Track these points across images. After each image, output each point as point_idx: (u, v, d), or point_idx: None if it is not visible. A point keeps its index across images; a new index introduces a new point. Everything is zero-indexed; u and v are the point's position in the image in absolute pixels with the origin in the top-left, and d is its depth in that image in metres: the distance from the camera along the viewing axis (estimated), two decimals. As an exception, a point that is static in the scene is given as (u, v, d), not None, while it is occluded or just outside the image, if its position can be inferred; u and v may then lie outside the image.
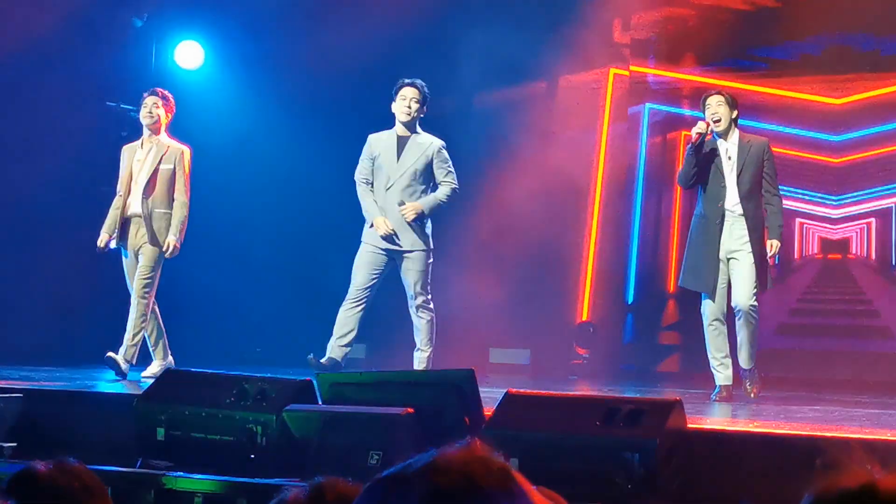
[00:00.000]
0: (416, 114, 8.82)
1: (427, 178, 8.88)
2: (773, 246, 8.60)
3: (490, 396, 6.16)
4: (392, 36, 11.14)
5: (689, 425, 5.70)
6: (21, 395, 7.29)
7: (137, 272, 9.03)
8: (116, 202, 9.22)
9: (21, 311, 10.93)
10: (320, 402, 6.24)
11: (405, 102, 8.81)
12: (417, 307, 8.91)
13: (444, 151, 8.91)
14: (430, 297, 8.96)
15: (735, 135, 8.68)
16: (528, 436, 5.56)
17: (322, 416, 5.97)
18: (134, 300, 9.04)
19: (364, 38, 11.18)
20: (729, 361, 8.69)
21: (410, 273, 8.86)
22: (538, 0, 12.09)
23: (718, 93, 8.70)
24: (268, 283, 11.92)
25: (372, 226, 8.83)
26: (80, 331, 11.41)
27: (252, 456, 6.08)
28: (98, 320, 11.65)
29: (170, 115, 9.28)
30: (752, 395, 8.67)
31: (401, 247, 8.81)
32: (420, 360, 8.93)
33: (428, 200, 8.85)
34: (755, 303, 8.60)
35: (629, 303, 12.25)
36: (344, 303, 8.88)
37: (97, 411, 7.20)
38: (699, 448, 5.66)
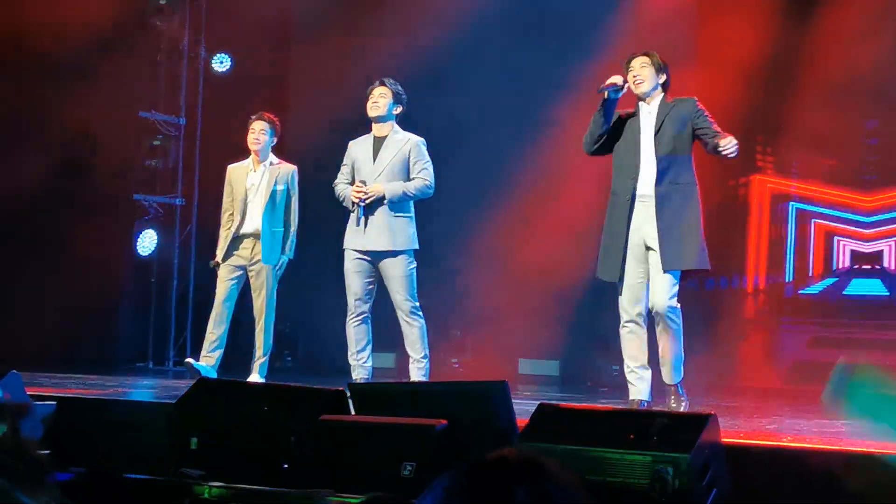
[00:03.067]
0: (383, 110, 8.69)
1: (406, 175, 8.68)
2: (726, 136, 7.39)
3: (520, 408, 6.15)
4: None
5: (724, 439, 5.68)
6: (55, 402, 7.33)
7: (263, 292, 9.38)
8: (226, 222, 9.53)
9: (52, 317, 10.99)
10: (353, 412, 6.25)
11: (372, 99, 8.72)
12: (405, 315, 8.64)
13: (423, 147, 8.74)
14: (417, 303, 8.67)
15: (658, 99, 7.75)
16: (561, 448, 5.55)
17: (355, 427, 5.97)
18: (260, 319, 9.40)
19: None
20: (647, 374, 7.72)
21: (393, 278, 8.63)
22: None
23: (644, 53, 7.76)
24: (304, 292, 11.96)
25: (356, 224, 8.65)
26: (112, 337, 11.48)
27: (285, 465, 6.09)
28: (129, 327, 11.74)
29: (275, 138, 9.55)
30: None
31: (379, 248, 8.61)
32: (417, 372, 8.67)
33: (392, 186, 8.58)
34: (674, 304, 7.51)
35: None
36: (348, 318, 8.74)
37: (131, 419, 7.23)
38: (734, 461, 5.64)
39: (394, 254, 8.63)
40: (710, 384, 10.83)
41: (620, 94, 7.72)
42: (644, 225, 7.59)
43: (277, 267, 9.42)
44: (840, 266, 11.99)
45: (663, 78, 7.76)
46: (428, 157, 8.75)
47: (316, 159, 10.60)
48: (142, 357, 12.19)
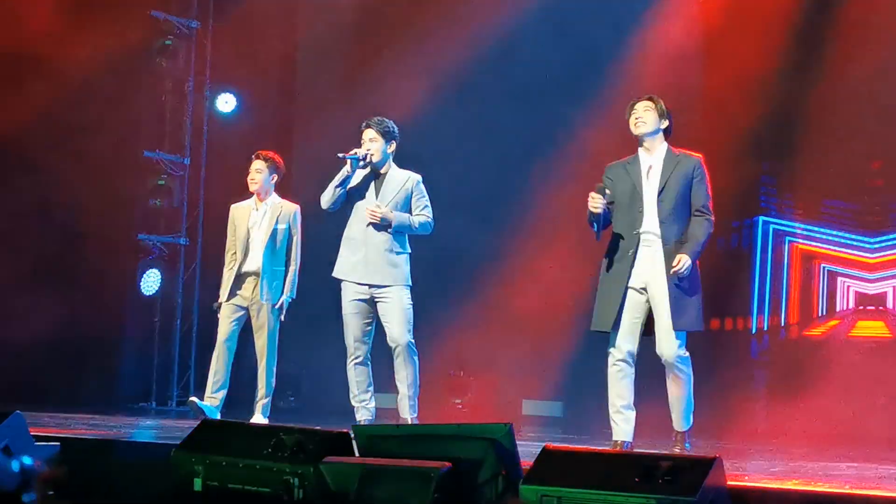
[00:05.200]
0: (378, 156, 8.70)
1: (406, 212, 8.74)
2: (679, 260, 7.45)
3: (524, 450, 6.13)
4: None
5: (729, 482, 5.66)
6: (58, 443, 7.31)
7: (265, 331, 9.39)
8: (229, 262, 9.55)
9: (56, 356, 10.99)
10: (357, 455, 6.23)
11: (364, 146, 8.75)
12: (399, 351, 8.62)
13: (422, 185, 8.82)
14: (412, 339, 8.64)
15: (662, 149, 7.73)
16: (565, 492, 5.53)
17: (360, 469, 5.95)
18: (262, 359, 9.42)
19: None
20: (632, 414, 7.71)
21: (389, 313, 8.62)
22: None
23: (649, 98, 7.75)
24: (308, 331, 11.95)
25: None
26: (115, 376, 11.47)
27: (289, 508, 6.07)
28: (132, 366, 11.73)
29: (275, 176, 9.54)
30: None
31: (377, 282, 8.62)
32: (408, 410, 8.66)
33: (400, 215, 8.67)
34: (683, 353, 7.53)
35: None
36: (348, 360, 8.73)
37: (134, 460, 7.21)
38: (739, 505, 5.62)
39: (392, 289, 8.63)
40: (715, 426, 10.80)
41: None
42: (646, 271, 7.58)
43: (279, 306, 9.41)
44: (844, 307, 11.97)
45: (665, 124, 7.73)
46: (427, 196, 8.82)
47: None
48: (145, 396, 12.17)
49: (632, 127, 7.70)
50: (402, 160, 8.91)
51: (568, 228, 11.74)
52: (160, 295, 12.46)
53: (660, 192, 7.57)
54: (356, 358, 8.70)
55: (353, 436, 6.32)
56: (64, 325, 11.10)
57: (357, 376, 8.71)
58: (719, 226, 7.92)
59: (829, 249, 11.99)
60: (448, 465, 5.73)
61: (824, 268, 11.97)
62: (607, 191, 7.60)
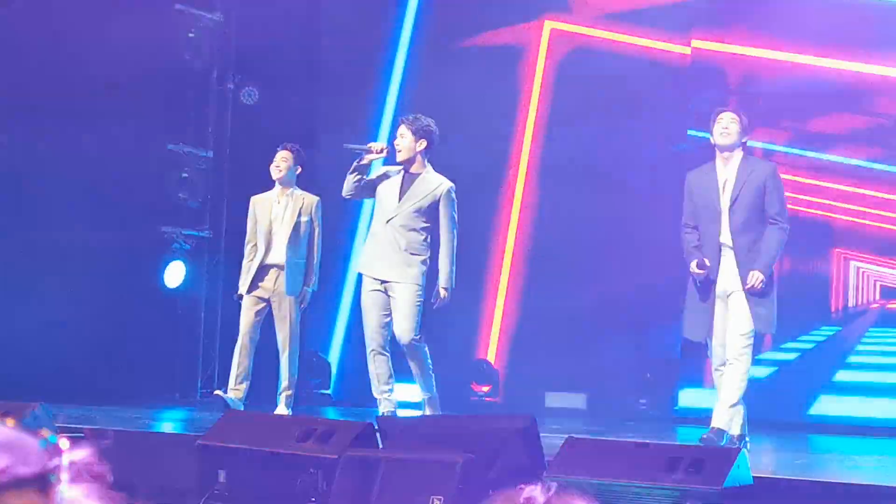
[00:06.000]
0: (406, 153, 8.63)
1: (430, 217, 8.65)
2: (752, 277, 7.79)
3: (547, 441, 6.15)
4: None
5: (753, 472, 5.67)
6: (83, 435, 7.35)
7: (287, 323, 9.42)
8: (249, 253, 9.61)
9: (80, 349, 11.03)
10: (381, 446, 6.26)
11: (395, 142, 8.73)
12: (406, 349, 8.60)
13: (454, 195, 8.68)
14: (419, 337, 8.58)
15: (737, 159, 8.00)
16: (589, 483, 5.55)
17: (383, 460, 5.98)
18: (284, 350, 9.45)
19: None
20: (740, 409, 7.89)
21: (395, 311, 8.59)
22: None
23: (734, 111, 8.08)
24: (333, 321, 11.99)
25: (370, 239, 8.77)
26: (139, 368, 11.52)
27: (313, 499, 6.10)
28: (156, 358, 11.77)
29: (299, 168, 9.62)
30: None
31: (391, 279, 8.61)
32: (429, 407, 8.69)
33: (444, 277, 8.61)
34: (745, 355, 7.80)
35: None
36: (368, 352, 8.72)
37: (159, 452, 7.25)
38: (761, 496, 5.63)
39: (403, 285, 8.59)
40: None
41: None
42: (726, 279, 7.90)
43: (301, 298, 9.45)
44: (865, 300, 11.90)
45: (746, 138, 8.06)
46: (455, 204, 8.69)
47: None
48: (169, 389, 12.21)
49: (716, 136, 7.99)
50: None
51: (594, 223, 11.77)
52: (184, 288, 12.50)
53: (732, 204, 7.90)
54: (375, 350, 8.69)
55: (376, 427, 6.35)
56: (87, 317, 11.15)
57: (377, 368, 8.69)
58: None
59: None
60: (471, 457, 5.76)
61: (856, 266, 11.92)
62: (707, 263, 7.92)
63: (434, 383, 8.74)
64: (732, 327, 7.81)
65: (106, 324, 11.34)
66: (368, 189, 8.74)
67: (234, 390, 9.33)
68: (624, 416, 11.58)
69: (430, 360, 8.70)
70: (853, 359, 11.44)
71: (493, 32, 12.92)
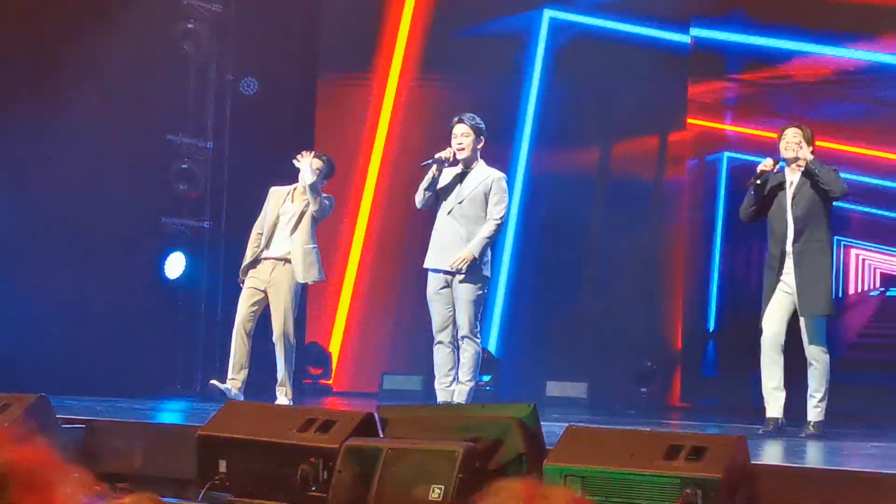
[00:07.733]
0: (468, 152, 8.82)
1: (484, 207, 8.83)
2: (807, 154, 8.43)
3: (548, 430, 6.14)
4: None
5: (753, 461, 5.67)
6: (83, 425, 7.35)
7: (283, 314, 9.37)
8: (254, 241, 9.58)
9: (81, 340, 11.03)
10: (381, 435, 6.25)
11: (456, 140, 8.86)
12: (463, 338, 8.75)
13: (503, 183, 8.92)
14: (478, 328, 8.82)
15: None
16: (589, 471, 5.54)
17: (384, 450, 5.97)
18: (279, 342, 9.41)
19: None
20: (780, 394, 8.51)
21: (459, 300, 8.74)
22: None
23: (798, 126, 8.62)
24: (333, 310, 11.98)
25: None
26: (139, 359, 11.52)
27: (313, 488, 6.09)
28: (156, 349, 11.77)
29: (325, 181, 9.61)
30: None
31: (452, 271, 8.73)
32: (460, 393, 8.74)
33: (473, 245, 8.74)
34: (822, 351, 8.43)
35: (711, 331, 12.20)
36: (434, 344, 8.85)
37: (159, 442, 7.24)
38: (763, 484, 5.62)
39: (466, 276, 8.72)
40: (742, 407, 10.80)
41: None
42: (787, 276, 8.44)
43: (297, 289, 9.45)
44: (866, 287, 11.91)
45: (811, 150, 8.52)
46: (506, 192, 8.92)
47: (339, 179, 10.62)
48: (170, 380, 12.21)
49: (783, 151, 8.51)
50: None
51: (593, 211, 11.78)
52: (184, 278, 12.49)
53: (792, 203, 8.43)
54: (441, 343, 8.80)
55: (377, 417, 6.34)
56: (87, 308, 11.15)
57: (440, 360, 8.82)
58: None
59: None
60: (472, 445, 5.75)
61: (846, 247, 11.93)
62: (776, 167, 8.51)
63: (477, 375, 8.91)
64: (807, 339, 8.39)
65: (106, 315, 11.33)
66: (436, 197, 8.92)
67: (232, 380, 9.33)
68: (625, 404, 11.59)
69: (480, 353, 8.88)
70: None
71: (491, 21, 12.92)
